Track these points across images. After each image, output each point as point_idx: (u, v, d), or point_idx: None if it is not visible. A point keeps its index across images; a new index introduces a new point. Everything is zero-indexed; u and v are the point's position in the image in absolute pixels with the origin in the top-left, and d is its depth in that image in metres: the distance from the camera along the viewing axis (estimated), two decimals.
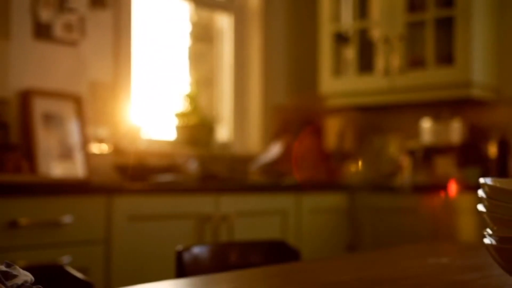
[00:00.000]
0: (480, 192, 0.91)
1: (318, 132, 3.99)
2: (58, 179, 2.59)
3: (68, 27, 2.84)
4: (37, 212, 2.14)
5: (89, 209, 2.27)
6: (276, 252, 1.61)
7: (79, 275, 1.22)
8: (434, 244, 1.74)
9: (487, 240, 0.91)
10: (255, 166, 3.55)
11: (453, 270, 1.18)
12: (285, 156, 3.54)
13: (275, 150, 3.57)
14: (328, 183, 3.59)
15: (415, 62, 3.57)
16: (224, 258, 1.51)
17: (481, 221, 0.92)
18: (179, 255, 1.42)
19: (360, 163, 3.88)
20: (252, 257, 1.56)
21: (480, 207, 0.92)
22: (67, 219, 2.19)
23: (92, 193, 2.29)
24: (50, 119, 2.75)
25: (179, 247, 1.45)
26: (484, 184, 0.91)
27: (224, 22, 3.97)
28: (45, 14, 2.78)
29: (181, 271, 1.41)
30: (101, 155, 2.95)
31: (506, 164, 3.33)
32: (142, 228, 2.43)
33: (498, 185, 0.91)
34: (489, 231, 0.91)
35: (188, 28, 3.79)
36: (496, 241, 0.89)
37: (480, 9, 3.42)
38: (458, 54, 3.38)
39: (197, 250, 1.47)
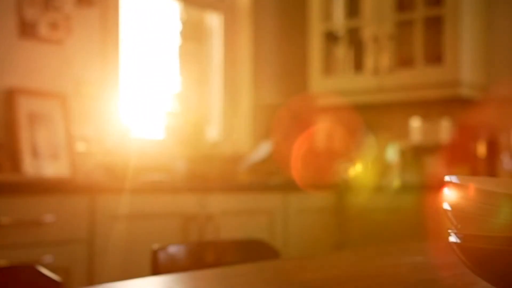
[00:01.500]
0: (445, 190, 0.91)
1: (307, 131, 3.98)
2: (40, 178, 2.58)
3: (54, 25, 2.83)
4: (19, 211, 2.13)
5: (72, 208, 2.26)
6: (254, 251, 1.60)
7: (50, 274, 1.21)
8: (413, 243, 1.74)
9: (451, 239, 0.90)
10: (244, 166, 3.55)
11: (423, 269, 1.17)
12: (274, 155, 3.53)
13: (263, 149, 3.57)
14: (317, 182, 3.59)
15: (404, 61, 3.57)
16: (201, 257, 1.50)
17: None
18: (154, 255, 1.42)
19: (349, 162, 3.88)
20: (230, 256, 1.55)
21: (445, 205, 0.91)
22: (49, 218, 2.18)
23: (75, 192, 2.28)
24: (35, 118, 2.73)
25: (155, 246, 1.44)
26: (448, 182, 0.90)
27: (214, 21, 3.96)
28: (30, 13, 2.77)
29: (156, 271, 1.40)
30: (87, 154, 2.94)
31: (495, 163, 3.33)
32: (126, 227, 2.42)
33: (461, 182, 0.91)
34: (453, 229, 0.90)
35: (178, 27, 3.78)
36: (460, 239, 0.88)
37: (468, 9, 3.42)
38: (446, 53, 3.38)
39: (173, 249, 1.46)
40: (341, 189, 3.40)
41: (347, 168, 3.80)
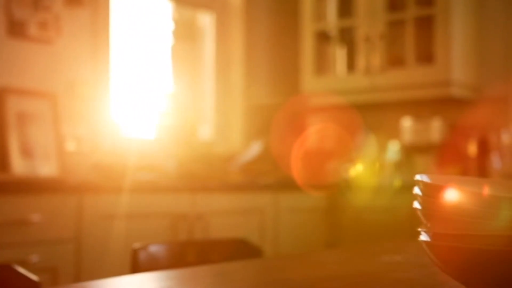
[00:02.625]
0: (416, 189, 0.91)
1: (299, 130, 3.98)
2: (28, 178, 2.58)
3: (43, 25, 2.83)
4: (5, 211, 2.13)
5: (60, 208, 2.26)
6: (238, 251, 1.60)
7: (28, 274, 1.21)
8: (397, 242, 1.74)
9: (422, 238, 0.90)
10: (236, 165, 3.55)
11: (400, 267, 1.17)
12: (265, 155, 3.53)
13: (255, 149, 3.57)
14: (309, 182, 3.59)
15: (395, 61, 3.57)
16: (182, 257, 1.50)
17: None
18: (134, 254, 1.41)
19: (342, 162, 3.88)
20: (212, 256, 1.55)
21: (416, 204, 0.91)
22: (35, 218, 2.18)
23: (63, 191, 2.27)
24: (24, 117, 2.73)
25: (136, 245, 1.43)
26: (418, 181, 0.90)
27: (206, 21, 3.96)
28: (20, 13, 2.77)
29: (136, 270, 1.40)
30: (77, 154, 2.93)
31: (486, 163, 3.33)
32: (115, 227, 2.42)
33: (431, 181, 0.91)
34: (423, 228, 0.90)
35: (170, 26, 3.78)
36: (430, 237, 0.89)
37: (460, 8, 3.42)
38: (438, 53, 3.38)
39: (154, 248, 1.46)
40: (334, 188, 3.40)
41: (340, 168, 3.80)
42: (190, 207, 2.68)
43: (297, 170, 3.84)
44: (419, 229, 0.91)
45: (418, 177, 0.91)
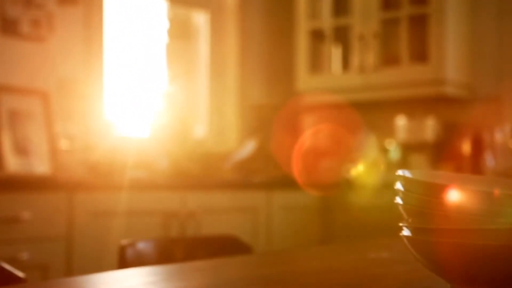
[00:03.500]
0: (397, 185, 0.91)
1: (294, 129, 3.98)
2: (18, 175, 2.57)
3: (36, 23, 2.83)
4: None
5: (50, 205, 2.26)
6: (227, 248, 1.60)
7: (13, 270, 1.21)
8: (385, 239, 1.74)
9: (403, 233, 0.90)
10: (230, 164, 3.55)
11: (385, 263, 1.17)
12: (259, 153, 3.53)
13: (249, 147, 3.57)
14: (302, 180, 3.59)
15: (389, 59, 3.57)
16: (170, 253, 1.50)
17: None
18: (121, 250, 1.41)
19: (336, 160, 3.88)
20: (200, 253, 1.55)
21: (397, 200, 0.91)
22: (26, 215, 2.18)
23: (53, 189, 2.27)
24: (16, 115, 2.73)
25: (124, 242, 1.43)
26: (400, 176, 0.90)
27: (201, 20, 3.96)
28: (12, 10, 2.77)
29: (123, 267, 1.39)
30: (70, 152, 2.93)
31: (480, 161, 3.34)
32: (106, 224, 2.42)
33: (412, 176, 0.91)
34: (404, 223, 0.90)
35: (165, 25, 3.78)
36: (411, 232, 0.89)
37: (453, 7, 3.42)
38: (431, 52, 3.38)
39: (141, 245, 1.45)
40: (328, 187, 3.40)
41: (335, 166, 3.80)
42: (181, 205, 2.68)
43: (291, 168, 3.84)
44: (401, 224, 0.91)
45: (399, 172, 0.91)
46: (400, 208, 0.91)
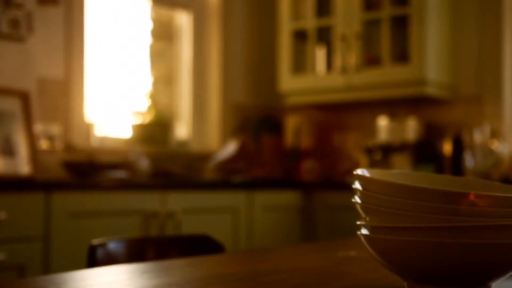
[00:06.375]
0: (355, 184, 0.92)
1: (277, 130, 3.99)
2: None
3: (15, 23, 2.82)
4: None
5: (27, 206, 2.25)
6: (199, 247, 1.60)
7: None
8: (355, 238, 1.75)
9: (361, 231, 0.91)
10: (211, 164, 3.55)
11: (351, 262, 1.18)
12: (240, 153, 3.54)
13: (230, 147, 3.57)
14: (282, 181, 3.60)
15: (371, 60, 3.59)
16: (141, 253, 1.50)
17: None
18: (92, 250, 1.41)
19: (317, 160, 3.89)
20: (172, 253, 1.55)
21: (355, 199, 0.92)
22: (2, 215, 2.17)
23: (31, 189, 2.27)
24: None
25: (94, 242, 1.43)
26: (357, 176, 0.91)
27: (183, 20, 3.96)
28: None
29: (93, 267, 1.39)
30: (50, 152, 2.92)
31: (460, 161, 3.36)
32: (84, 225, 2.41)
33: (369, 175, 0.91)
34: (362, 222, 0.91)
35: (148, 26, 3.77)
36: (369, 231, 0.89)
37: (434, 8, 3.44)
38: (413, 52, 3.40)
39: (112, 245, 1.45)
40: (308, 187, 3.41)
41: (313, 166, 3.82)
42: (161, 205, 2.68)
43: (273, 169, 3.84)
44: (358, 223, 0.92)
45: (357, 171, 0.92)
46: (358, 207, 0.91)
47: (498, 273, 0.84)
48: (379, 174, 0.93)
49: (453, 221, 0.81)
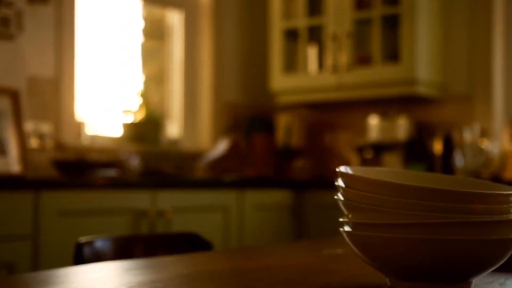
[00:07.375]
0: (338, 181, 0.92)
1: (268, 129, 3.99)
2: None
3: (5, 21, 2.81)
4: None
5: (17, 204, 2.24)
6: (187, 246, 1.61)
7: None
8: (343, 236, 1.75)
9: (344, 228, 0.91)
10: (203, 163, 3.55)
11: (337, 260, 1.19)
12: (232, 152, 3.54)
13: (222, 146, 3.57)
14: (274, 180, 3.60)
15: (362, 59, 3.59)
16: (128, 251, 1.50)
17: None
18: (78, 248, 1.41)
19: (308, 159, 3.90)
20: (160, 251, 1.55)
21: (338, 195, 0.92)
22: None
23: (21, 188, 2.26)
24: None
25: (81, 239, 1.43)
26: (340, 173, 0.92)
27: (175, 19, 3.96)
28: None
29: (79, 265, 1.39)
30: (40, 151, 2.92)
31: (451, 160, 3.37)
32: (73, 223, 2.41)
33: (351, 173, 0.92)
34: (344, 219, 0.91)
35: (139, 24, 3.77)
36: (351, 227, 0.90)
37: (425, 7, 3.45)
38: (403, 51, 3.41)
39: (99, 243, 1.45)
40: (299, 186, 3.42)
41: (304, 165, 3.82)
42: (152, 204, 2.68)
43: (265, 167, 3.85)
44: (341, 220, 0.92)
45: (340, 168, 0.93)
46: (340, 204, 0.92)
47: (478, 269, 0.85)
48: (362, 171, 0.93)
49: (433, 218, 0.82)
